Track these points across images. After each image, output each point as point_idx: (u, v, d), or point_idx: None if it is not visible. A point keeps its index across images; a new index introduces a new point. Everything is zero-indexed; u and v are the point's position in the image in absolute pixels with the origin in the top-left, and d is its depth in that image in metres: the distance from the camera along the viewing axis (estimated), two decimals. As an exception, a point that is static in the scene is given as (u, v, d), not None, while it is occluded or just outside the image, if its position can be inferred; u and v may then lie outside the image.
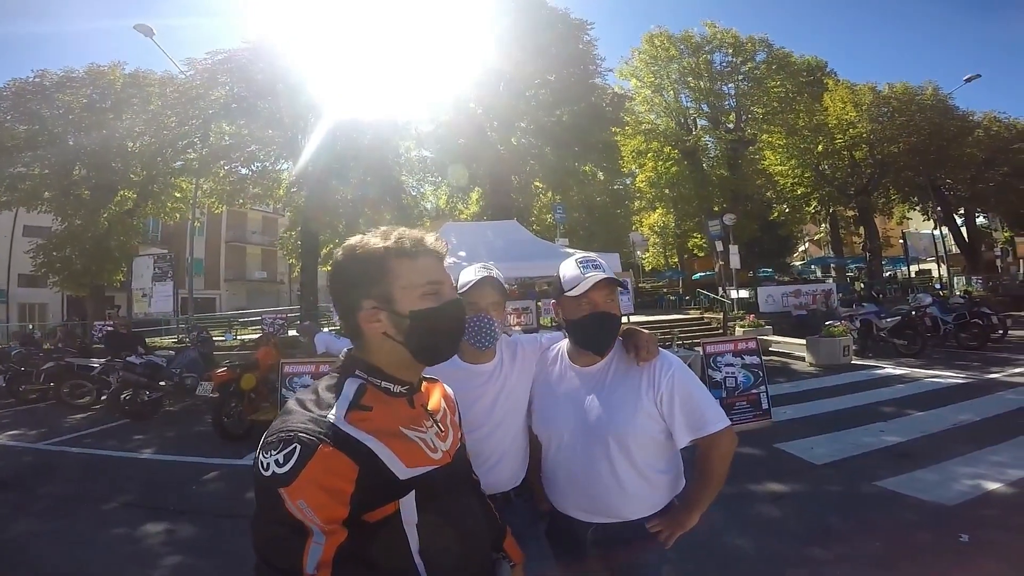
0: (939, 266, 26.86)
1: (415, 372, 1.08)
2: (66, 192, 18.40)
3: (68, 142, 17.96)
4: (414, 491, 0.95)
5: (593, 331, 1.52)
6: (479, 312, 1.53)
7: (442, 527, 0.99)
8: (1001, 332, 11.07)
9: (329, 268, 1.02)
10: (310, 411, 0.92)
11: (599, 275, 1.48)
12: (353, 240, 1.03)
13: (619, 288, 1.52)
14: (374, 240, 1.01)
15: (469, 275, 1.56)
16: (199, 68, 16.96)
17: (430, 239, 1.05)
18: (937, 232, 25.74)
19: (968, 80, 21.05)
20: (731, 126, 24.79)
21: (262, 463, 0.85)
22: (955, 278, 24.66)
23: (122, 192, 19.87)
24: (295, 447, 0.84)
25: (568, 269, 1.54)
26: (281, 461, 0.84)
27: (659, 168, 25.18)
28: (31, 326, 24.54)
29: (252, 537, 0.88)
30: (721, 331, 14.19)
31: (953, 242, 26.99)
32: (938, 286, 24.87)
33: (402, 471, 0.93)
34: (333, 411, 0.92)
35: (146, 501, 4.55)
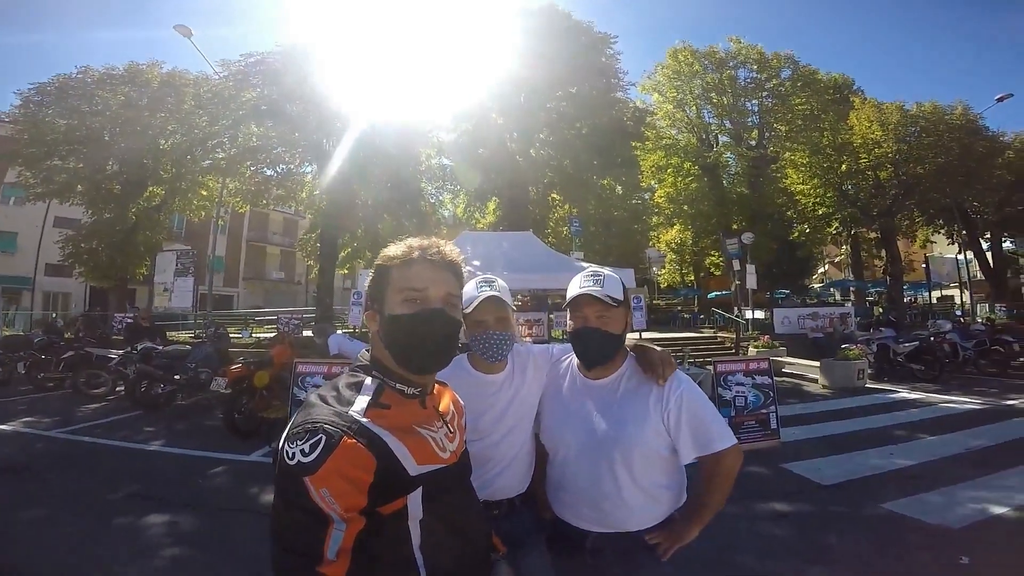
0: (962, 292, 26.24)
1: (423, 377, 1.11)
2: (98, 186, 19.01)
3: (104, 138, 18.56)
4: (421, 487, 0.98)
5: (579, 345, 1.57)
6: (486, 330, 1.54)
7: (443, 525, 1.02)
8: (1023, 359, 10.81)
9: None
10: (332, 406, 0.96)
11: (584, 290, 1.51)
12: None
13: (612, 304, 1.50)
14: (392, 248, 1.10)
15: (471, 291, 1.54)
16: (232, 70, 17.43)
17: (434, 248, 1.09)
18: (961, 257, 25.18)
19: (1000, 99, 20.52)
20: (753, 143, 24.64)
21: (287, 452, 0.89)
22: (978, 305, 24.07)
23: (151, 188, 20.50)
24: (321, 438, 0.88)
25: (572, 283, 1.58)
26: (307, 451, 0.87)
27: (678, 184, 25.07)
28: (54, 315, 25.21)
29: (272, 524, 0.91)
30: (734, 351, 14.04)
31: (978, 268, 26.37)
32: (959, 312, 24.29)
33: (413, 467, 0.97)
34: (355, 406, 0.97)
35: (151, 492, 4.60)
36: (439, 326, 1.05)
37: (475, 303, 1.51)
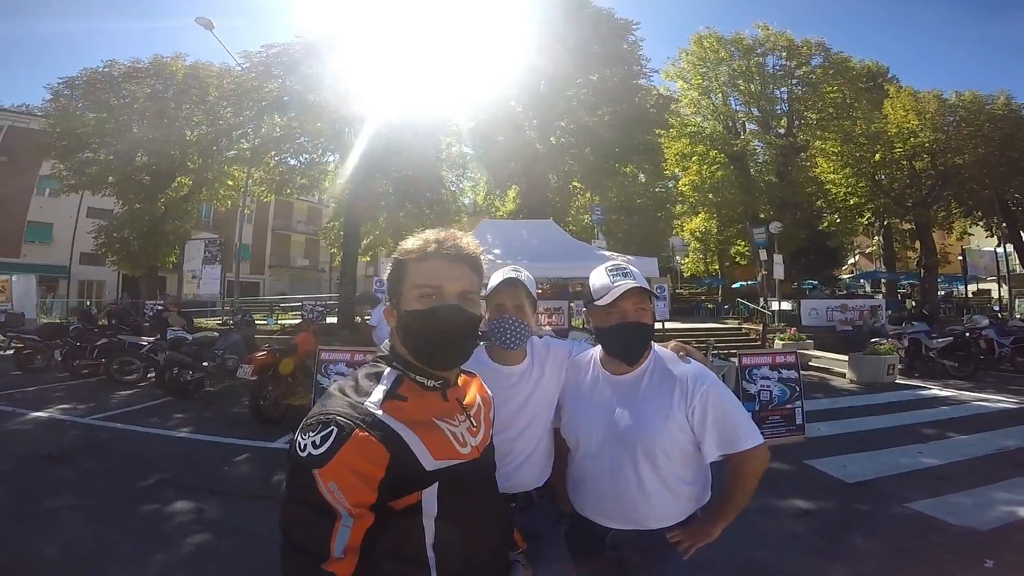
0: (1000, 286, 25.27)
1: (444, 370, 1.09)
2: (128, 177, 19.54)
3: (132, 130, 19.00)
4: (437, 483, 0.96)
5: (621, 342, 1.52)
6: (503, 314, 1.54)
7: (459, 522, 0.99)
8: (1063, 357, 10.40)
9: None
10: (349, 397, 0.95)
11: (627, 284, 1.47)
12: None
13: (652, 295, 1.51)
14: (409, 241, 1.09)
15: (497, 277, 1.56)
16: (254, 61, 17.58)
17: (450, 241, 1.06)
18: (1000, 250, 24.23)
19: (1044, 88, 19.76)
20: (782, 131, 24.06)
21: (299, 444, 0.88)
22: (1017, 300, 23.22)
23: (179, 179, 20.98)
24: (332, 430, 0.87)
25: (597, 278, 1.54)
26: (318, 443, 0.86)
27: (704, 172, 24.66)
28: (88, 302, 26.04)
29: (281, 518, 0.89)
30: (759, 343, 13.81)
31: (1017, 261, 25.36)
32: (997, 308, 23.44)
33: (429, 462, 0.94)
34: (371, 398, 0.95)
35: (179, 479, 4.69)
36: (455, 322, 1.02)
37: (494, 285, 1.54)
